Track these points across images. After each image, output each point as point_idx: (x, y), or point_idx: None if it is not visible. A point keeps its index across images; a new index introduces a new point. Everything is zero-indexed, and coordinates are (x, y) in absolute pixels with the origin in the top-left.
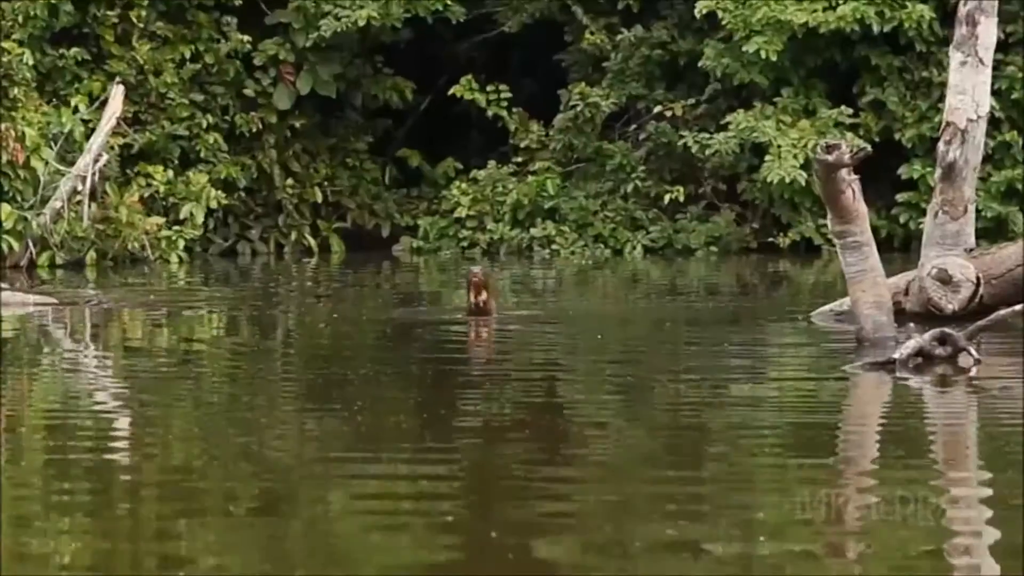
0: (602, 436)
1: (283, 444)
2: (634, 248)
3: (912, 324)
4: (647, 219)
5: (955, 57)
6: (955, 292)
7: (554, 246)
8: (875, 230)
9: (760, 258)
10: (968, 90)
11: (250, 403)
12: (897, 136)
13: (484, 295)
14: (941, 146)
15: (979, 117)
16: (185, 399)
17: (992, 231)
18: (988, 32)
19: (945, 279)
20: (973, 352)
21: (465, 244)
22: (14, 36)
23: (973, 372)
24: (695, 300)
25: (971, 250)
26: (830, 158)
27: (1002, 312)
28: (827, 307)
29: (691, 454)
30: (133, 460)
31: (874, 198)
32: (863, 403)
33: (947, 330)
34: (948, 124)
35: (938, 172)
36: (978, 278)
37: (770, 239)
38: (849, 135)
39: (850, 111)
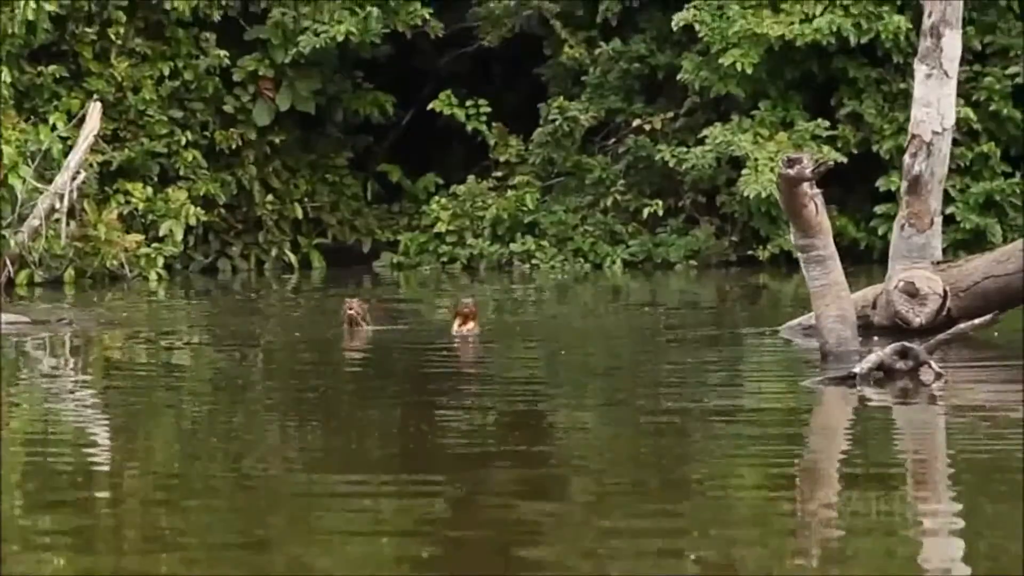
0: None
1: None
2: (614, 262)
3: (876, 338)
4: (627, 233)
5: (920, 70)
6: (922, 305)
7: (534, 261)
8: (853, 242)
9: (739, 271)
10: (933, 102)
11: (228, 420)
12: (875, 148)
13: (470, 325)
14: (907, 159)
15: (944, 129)
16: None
17: (970, 243)
18: (952, 44)
19: (912, 292)
20: (934, 366)
21: (445, 259)
22: None
23: (934, 386)
24: (670, 314)
25: (938, 263)
26: (791, 172)
27: (962, 325)
28: (795, 321)
29: (642, 464)
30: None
31: (852, 210)
32: (817, 418)
33: (908, 344)
34: (914, 136)
35: (904, 185)
36: (945, 291)
37: (749, 252)
38: (826, 148)
39: (827, 123)
